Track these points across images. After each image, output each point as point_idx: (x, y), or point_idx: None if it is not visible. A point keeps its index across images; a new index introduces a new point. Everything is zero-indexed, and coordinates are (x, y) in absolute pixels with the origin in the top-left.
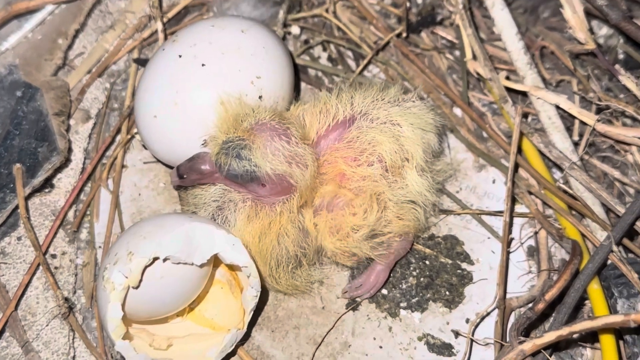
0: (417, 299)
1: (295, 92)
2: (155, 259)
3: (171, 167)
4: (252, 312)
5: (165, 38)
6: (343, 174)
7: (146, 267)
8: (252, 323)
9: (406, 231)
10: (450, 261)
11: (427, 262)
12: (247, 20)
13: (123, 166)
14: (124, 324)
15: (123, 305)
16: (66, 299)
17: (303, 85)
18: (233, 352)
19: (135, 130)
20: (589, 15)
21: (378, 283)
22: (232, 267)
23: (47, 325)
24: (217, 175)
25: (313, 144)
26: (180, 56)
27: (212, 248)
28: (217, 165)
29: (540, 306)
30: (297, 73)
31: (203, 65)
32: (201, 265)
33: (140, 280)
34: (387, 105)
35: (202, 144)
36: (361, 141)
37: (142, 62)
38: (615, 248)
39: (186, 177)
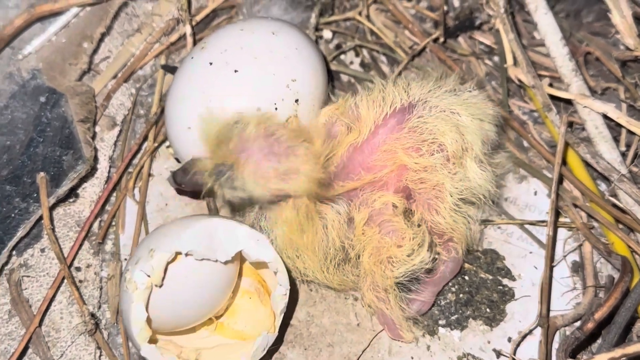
0: (456, 316)
1: (329, 92)
2: (178, 254)
3: None
4: (283, 314)
5: (194, 42)
6: (404, 167)
7: (168, 264)
8: (282, 332)
9: (451, 236)
10: (490, 277)
11: (467, 278)
12: (276, 21)
13: (149, 175)
14: (151, 332)
15: (147, 307)
16: (92, 315)
17: (336, 91)
18: None
19: (167, 143)
20: (637, 20)
21: (420, 311)
22: (260, 276)
23: (72, 343)
24: None
25: (370, 134)
26: (211, 63)
27: (236, 245)
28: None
29: (590, 326)
30: (331, 75)
31: (236, 71)
32: (226, 264)
33: (163, 278)
34: (445, 94)
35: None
36: (422, 130)
37: (170, 69)
38: None
39: (184, 187)
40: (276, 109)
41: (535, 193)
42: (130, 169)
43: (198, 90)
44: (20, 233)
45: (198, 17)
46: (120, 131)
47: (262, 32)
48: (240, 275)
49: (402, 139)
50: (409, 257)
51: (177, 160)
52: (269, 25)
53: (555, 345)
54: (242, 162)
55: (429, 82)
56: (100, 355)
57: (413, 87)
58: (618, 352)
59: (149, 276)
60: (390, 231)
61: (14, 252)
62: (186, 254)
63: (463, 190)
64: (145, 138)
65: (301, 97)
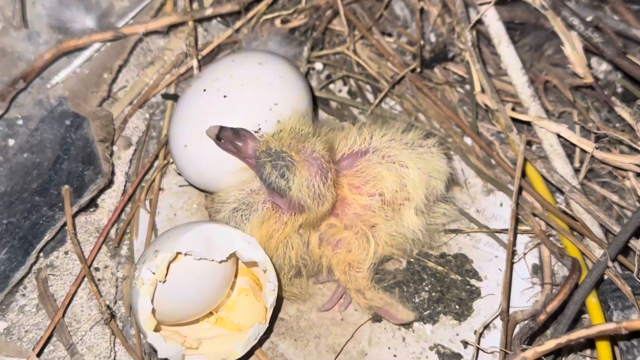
0: (429, 312)
1: (315, 119)
2: (178, 254)
3: (203, 191)
4: (273, 307)
5: None
6: (344, 199)
7: (170, 262)
8: (272, 324)
9: (392, 252)
10: (460, 277)
11: (439, 278)
12: (264, 53)
13: (160, 189)
14: (156, 322)
15: (153, 300)
16: (108, 307)
17: (325, 115)
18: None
19: (171, 160)
20: (588, 52)
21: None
22: (254, 275)
23: (90, 330)
24: (250, 161)
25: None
26: (204, 90)
27: (231, 246)
28: (257, 165)
29: (542, 317)
30: (315, 100)
31: (225, 96)
32: (222, 263)
33: (166, 275)
34: (401, 147)
35: (256, 131)
36: (367, 173)
37: (170, 97)
38: (610, 264)
39: (223, 142)
40: (260, 128)
41: (501, 204)
42: (143, 184)
43: (194, 113)
44: (47, 237)
45: (204, 52)
46: (135, 150)
47: (250, 62)
48: (237, 274)
49: (349, 177)
50: (364, 254)
51: (179, 173)
52: (257, 57)
53: None
54: (304, 163)
55: (391, 133)
56: (114, 342)
57: (375, 136)
58: (564, 338)
59: (154, 273)
60: (337, 242)
61: (41, 254)
62: (185, 254)
63: (394, 231)
64: (156, 157)
65: (282, 118)
